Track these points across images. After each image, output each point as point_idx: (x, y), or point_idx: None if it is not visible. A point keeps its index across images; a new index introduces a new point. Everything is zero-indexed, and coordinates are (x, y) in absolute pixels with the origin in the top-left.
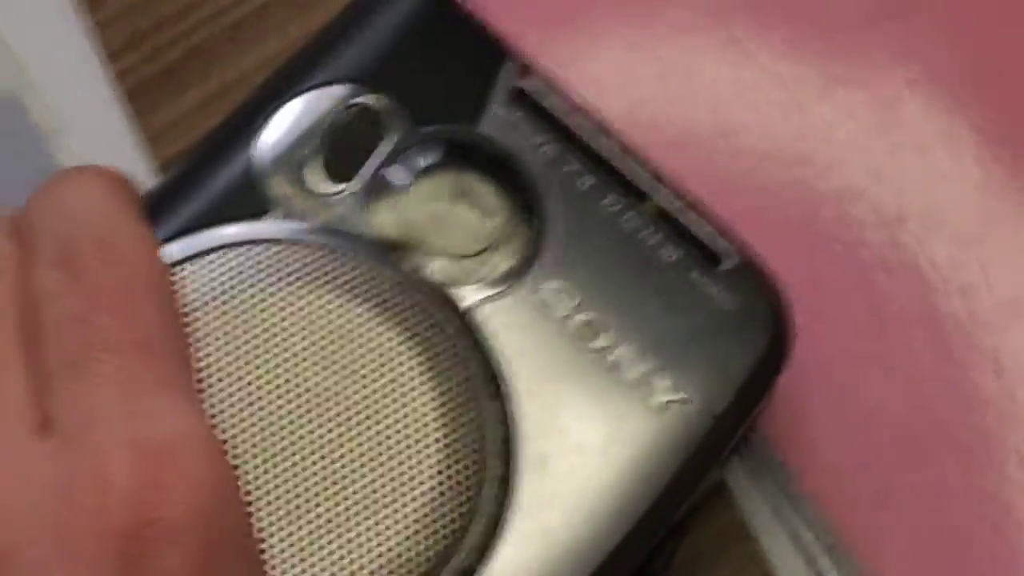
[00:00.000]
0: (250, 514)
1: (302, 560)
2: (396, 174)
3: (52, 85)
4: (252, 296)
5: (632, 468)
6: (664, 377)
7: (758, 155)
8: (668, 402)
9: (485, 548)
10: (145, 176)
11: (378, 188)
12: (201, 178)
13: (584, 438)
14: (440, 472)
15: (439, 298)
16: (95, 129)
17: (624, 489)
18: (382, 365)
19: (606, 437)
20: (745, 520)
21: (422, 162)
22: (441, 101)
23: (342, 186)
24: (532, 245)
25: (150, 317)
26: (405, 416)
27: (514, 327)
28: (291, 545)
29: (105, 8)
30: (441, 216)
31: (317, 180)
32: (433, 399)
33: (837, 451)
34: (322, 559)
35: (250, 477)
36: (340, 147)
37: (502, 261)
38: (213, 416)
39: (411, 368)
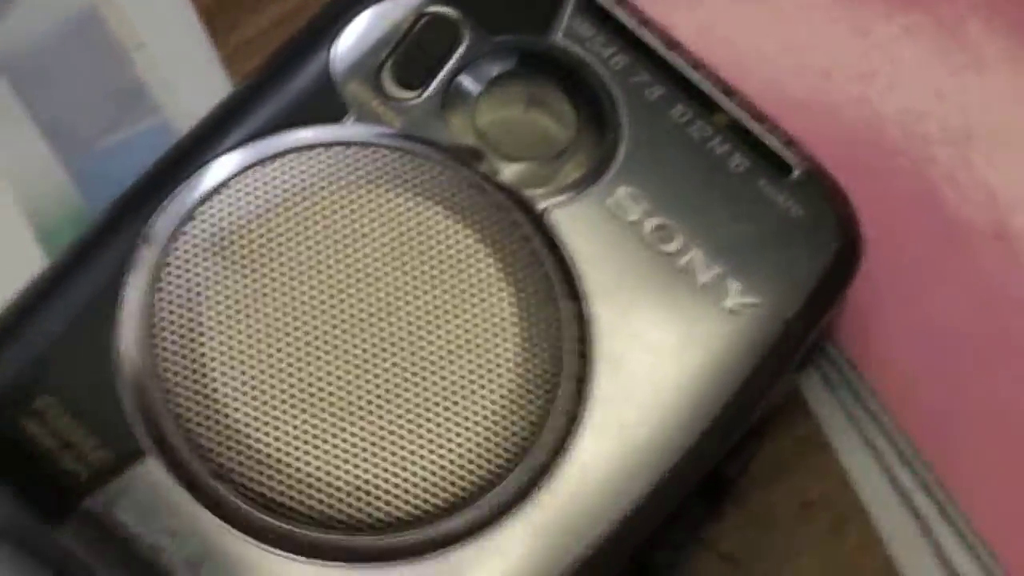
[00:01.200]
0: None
1: (381, 455)
2: (469, 82)
3: (130, 2)
4: (330, 196)
5: (705, 369)
6: (735, 281)
7: (821, 72)
8: (740, 305)
9: (562, 444)
10: (224, 93)
11: (452, 95)
12: (277, 83)
13: (658, 338)
14: (518, 369)
15: (514, 201)
16: (173, 45)
17: (698, 390)
18: (459, 264)
19: (679, 338)
20: (821, 429)
21: (495, 71)
22: (513, 12)
23: (416, 92)
24: (603, 152)
25: None
26: (482, 314)
27: (587, 231)
28: (371, 440)
29: None
30: (514, 123)
31: (392, 87)
32: (510, 298)
33: (907, 362)
34: (401, 453)
35: (330, 373)
36: (415, 55)
37: (574, 168)
38: (294, 314)
39: (488, 267)
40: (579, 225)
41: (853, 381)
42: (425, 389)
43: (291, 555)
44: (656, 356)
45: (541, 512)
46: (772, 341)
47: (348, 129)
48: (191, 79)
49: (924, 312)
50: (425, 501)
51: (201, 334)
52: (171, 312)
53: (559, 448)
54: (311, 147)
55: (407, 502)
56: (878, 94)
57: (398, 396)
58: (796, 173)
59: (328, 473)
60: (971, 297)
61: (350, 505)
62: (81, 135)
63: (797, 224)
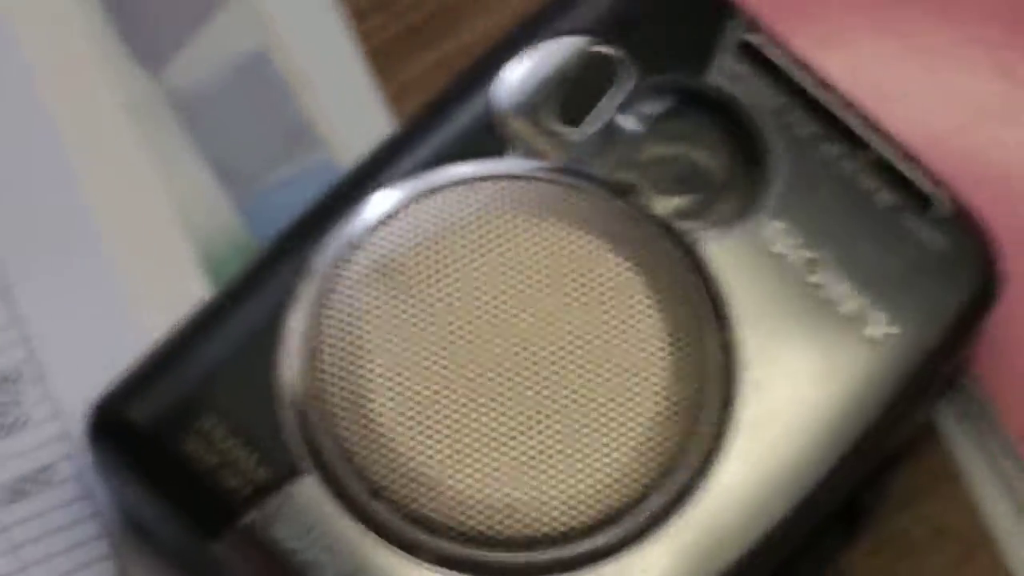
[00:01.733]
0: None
1: (532, 474)
2: (629, 120)
3: (299, 43)
4: (489, 226)
5: (845, 397)
6: (877, 312)
7: (965, 112)
8: (881, 335)
9: (705, 467)
10: (386, 130)
11: (610, 133)
12: (441, 120)
13: (800, 366)
14: (665, 392)
15: (667, 233)
16: (339, 84)
17: (837, 417)
18: (612, 291)
19: (821, 366)
20: (953, 458)
21: (653, 109)
22: (671, 53)
23: (576, 128)
24: (756, 188)
25: None
26: (633, 339)
27: (737, 263)
28: (522, 459)
29: None
30: (670, 159)
31: (552, 123)
32: (660, 324)
33: None
34: (551, 472)
35: (485, 396)
36: (576, 92)
37: (727, 202)
38: (453, 339)
39: (640, 295)
40: (730, 257)
41: (987, 412)
42: (575, 411)
43: (444, 570)
44: (799, 383)
45: (683, 532)
46: (911, 371)
47: (509, 164)
48: (356, 118)
49: None
50: (572, 519)
51: (362, 358)
52: (333, 336)
53: (703, 470)
54: (475, 180)
55: (555, 519)
56: (1018, 136)
57: (549, 417)
58: (940, 209)
59: (481, 491)
60: None
61: (501, 522)
62: (249, 172)
63: (940, 258)
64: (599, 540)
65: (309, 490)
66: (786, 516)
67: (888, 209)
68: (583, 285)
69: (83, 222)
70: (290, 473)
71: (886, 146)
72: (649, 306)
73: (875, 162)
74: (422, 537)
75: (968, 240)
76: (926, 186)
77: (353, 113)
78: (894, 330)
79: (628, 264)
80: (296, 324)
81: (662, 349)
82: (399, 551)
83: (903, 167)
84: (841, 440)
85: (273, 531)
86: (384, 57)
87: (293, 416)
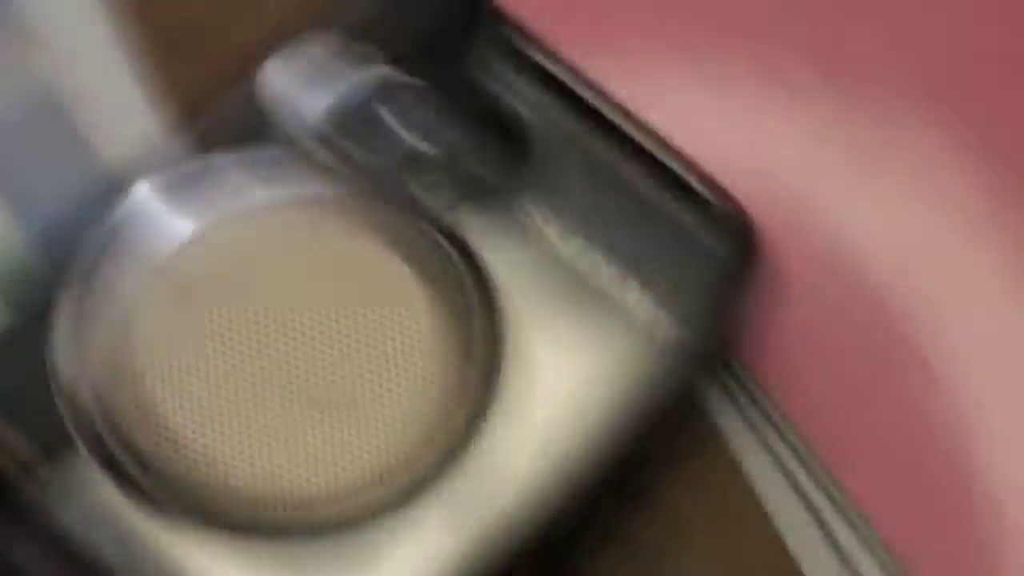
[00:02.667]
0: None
1: (301, 438)
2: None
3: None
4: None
5: (607, 373)
6: (644, 294)
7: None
8: (643, 313)
9: (471, 430)
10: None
11: (389, 148)
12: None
13: (568, 346)
14: (430, 365)
15: (436, 226)
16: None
17: (601, 390)
18: (381, 283)
19: (584, 342)
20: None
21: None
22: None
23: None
24: (523, 179)
25: None
26: (400, 312)
27: (506, 250)
28: (291, 425)
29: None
30: (434, 160)
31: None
32: (426, 309)
33: (808, 376)
34: (321, 435)
35: (255, 368)
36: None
37: (497, 195)
38: (221, 317)
39: (408, 284)
40: (498, 243)
41: (755, 395)
42: (343, 378)
43: (215, 530)
44: (561, 356)
45: (452, 491)
46: (670, 347)
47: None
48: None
49: (820, 328)
50: (343, 479)
51: (128, 335)
52: (101, 318)
53: (469, 433)
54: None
55: (326, 480)
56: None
57: (316, 385)
58: (704, 199)
59: (249, 455)
60: (861, 313)
61: (271, 483)
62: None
63: (704, 245)
64: (371, 498)
65: (80, 464)
66: (550, 482)
67: (653, 198)
68: (355, 282)
69: None
70: (58, 449)
71: (650, 138)
72: (417, 293)
73: (636, 153)
74: (194, 502)
75: (730, 228)
76: (689, 177)
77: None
78: (655, 307)
79: (396, 256)
80: (65, 307)
81: (428, 329)
82: (173, 517)
83: (661, 155)
84: (602, 411)
85: (47, 508)
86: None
87: (63, 390)
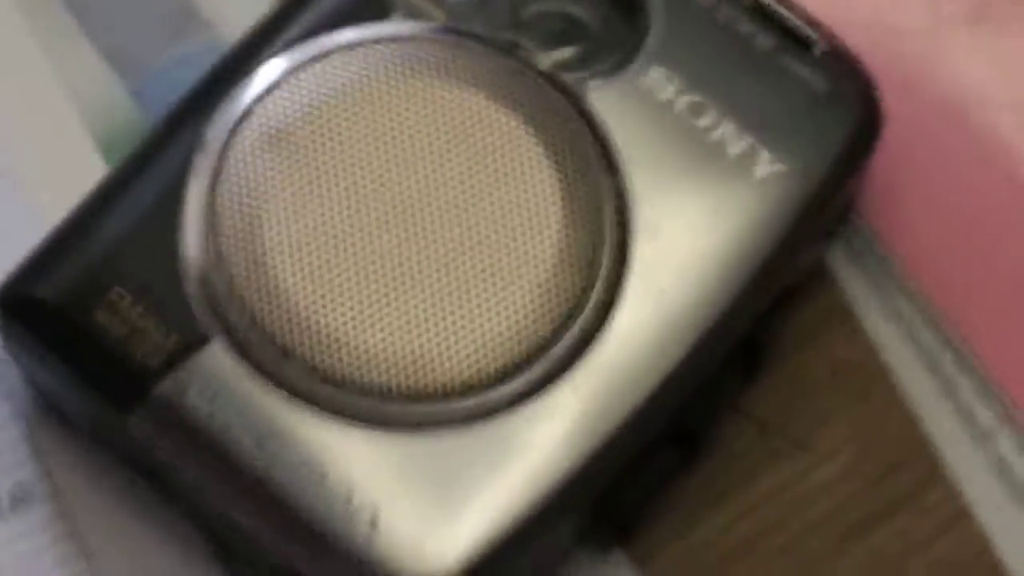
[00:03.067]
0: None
1: (436, 327)
2: None
3: None
4: (377, 88)
5: (737, 235)
6: (764, 151)
7: None
8: (769, 174)
9: (604, 311)
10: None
11: None
12: None
13: (693, 207)
14: (561, 239)
15: (552, 85)
16: None
17: (731, 255)
18: (503, 144)
19: (713, 206)
20: (847, 297)
21: None
22: None
23: None
24: (634, 36)
25: None
26: (527, 189)
27: (624, 110)
28: (425, 313)
29: None
30: (548, 13)
31: None
32: (551, 173)
33: (928, 231)
34: (455, 325)
35: (385, 253)
36: None
37: (610, 52)
38: (349, 200)
39: (530, 146)
40: (615, 105)
41: (877, 250)
42: (475, 263)
43: (353, 422)
44: (691, 223)
45: (587, 376)
46: (799, 207)
47: (392, 26)
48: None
49: (944, 183)
50: (478, 369)
51: (260, 224)
52: (230, 205)
53: (603, 315)
54: (359, 44)
55: (462, 370)
56: None
57: (450, 270)
58: (818, 50)
59: (386, 346)
60: (991, 166)
61: (409, 375)
62: (139, 55)
63: (821, 97)
64: (506, 389)
65: (218, 355)
66: (686, 356)
67: (768, 52)
68: (474, 140)
69: None
70: (199, 340)
71: None
72: (539, 156)
73: (752, 7)
74: (333, 394)
75: (847, 78)
76: (804, 28)
77: None
78: (781, 167)
79: (516, 117)
80: (195, 195)
81: (555, 196)
82: (312, 409)
83: (780, 10)
84: (735, 278)
85: (186, 398)
86: None
87: (198, 284)
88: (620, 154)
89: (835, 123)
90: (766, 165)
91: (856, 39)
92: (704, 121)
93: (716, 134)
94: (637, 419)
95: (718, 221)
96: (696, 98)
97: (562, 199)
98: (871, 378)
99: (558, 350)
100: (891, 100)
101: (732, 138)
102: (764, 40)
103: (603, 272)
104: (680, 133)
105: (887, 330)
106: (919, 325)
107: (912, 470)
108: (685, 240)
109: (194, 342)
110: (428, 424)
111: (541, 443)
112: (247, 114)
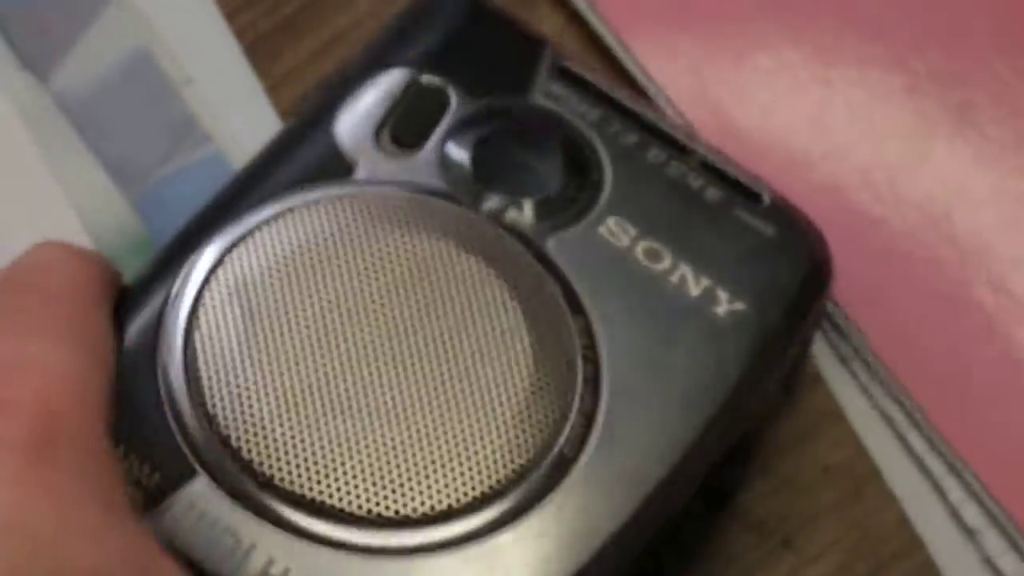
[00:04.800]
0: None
1: (422, 455)
2: (462, 140)
3: (179, 40)
4: (346, 239)
5: (702, 369)
6: (722, 291)
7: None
8: (729, 312)
9: (582, 439)
10: (270, 121)
11: (448, 152)
12: (289, 150)
13: (657, 344)
14: (534, 374)
15: (513, 236)
16: (220, 78)
17: (697, 387)
18: (472, 288)
19: (677, 344)
20: (838, 402)
21: (483, 130)
22: (493, 77)
23: (414, 153)
24: (591, 189)
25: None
26: (497, 328)
27: (584, 257)
28: (410, 443)
29: None
30: (507, 171)
31: (393, 148)
32: (521, 313)
33: (919, 336)
34: (440, 451)
35: (368, 388)
36: (410, 119)
37: (566, 206)
38: (327, 340)
39: (498, 289)
40: (576, 252)
41: (864, 354)
42: (455, 396)
43: (347, 553)
44: (657, 360)
45: (567, 499)
46: (760, 341)
47: (355, 184)
48: (239, 109)
49: (929, 286)
50: (465, 494)
51: (236, 367)
52: (209, 350)
53: (579, 444)
54: (324, 199)
55: (449, 496)
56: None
57: (430, 403)
58: (765, 201)
59: (374, 473)
60: (970, 269)
61: (396, 501)
62: (139, 167)
63: (771, 242)
64: (492, 512)
65: (201, 490)
66: (659, 481)
67: (718, 203)
68: (443, 284)
69: None
70: (182, 476)
71: (706, 150)
72: (507, 298)
73: (699, 163)
74: (315, 523)
75: (795, 227)
76: (751, 182)
77: (235, 106)
78: (740, 306)
79: (483, 263)
80: (169, 343)
81: (526, 334)
82: (295, 537)
83: (727, 167)
84: (703, 407)
85: (173, 531)
86: (260, 50)
87: (179, 425)
88: (583, 296)
89: (787, 266)
90: (725, 304)
91: (833, 141)
92: (662, 265)
93: (675, 277)
94: (615, 539)
95: (682, 357)
96: (653, 244)
97: (532, 335)
98: (861, 478)
99: (540, 474)
100: (874, 202)
101: (691, 280)
102: (713, 192)
103: (576, 404)
104: (640, 276)
105: (876, 432)
106: (907, 427)
107: (902, 568)
108: (653, 376)
109: (178, 479)
110: (417, 550)
111: (528, 561)
112: (216, 266)
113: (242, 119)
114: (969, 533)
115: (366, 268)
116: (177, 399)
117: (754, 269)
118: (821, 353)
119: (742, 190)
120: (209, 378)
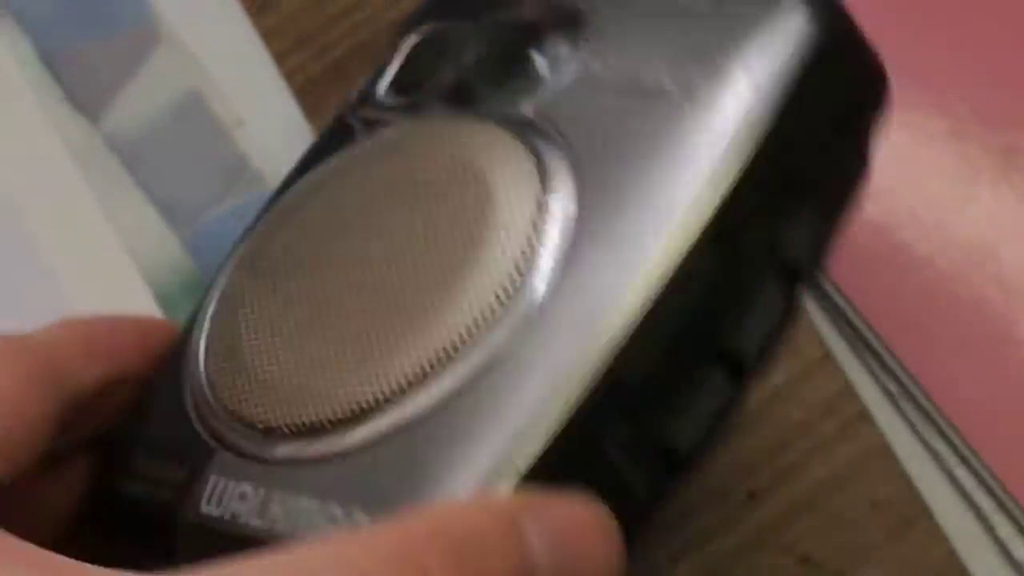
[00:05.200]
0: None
1: (388, 341)
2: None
3: (229, 83)
4: (338, 178)
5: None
6: (702, 80)
7: None
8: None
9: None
10: None
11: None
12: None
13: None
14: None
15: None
16: (270, 120)
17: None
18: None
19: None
20: (886, 439)
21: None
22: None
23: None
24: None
25: None
26: (459, 194)
27: (571, 107)
28: (375, 335)
29: (273, 12)
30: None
31: (397, 99)
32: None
33: (966, 373)
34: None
35: (346, 313)
36: (406, 71)
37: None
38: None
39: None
40: (563, 105)
41: (912, 391)
42: (420, 271)
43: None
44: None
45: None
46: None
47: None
48: (288, 150)
49: (975, 324)
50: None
51: (239, 335)
52: (218, 332)
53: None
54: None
55: (423, 358)
56: None
57: (398, 291)
58: None
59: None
60: (1020, 310)
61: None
62: (190, 207)
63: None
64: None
65: (223, 462)
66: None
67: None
68: (429, 192)
69: (38, 261)
70: (206, 457)
71: None
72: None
73: None
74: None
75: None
76: None
77: (286, 147)
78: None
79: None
80: (196, 340)
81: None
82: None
83: None
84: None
85: (209, 509)
86: (310, 92)
87: (195, 410)
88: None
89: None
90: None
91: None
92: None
93: (651, 81)
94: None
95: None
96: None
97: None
98: (910, 515)
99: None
100: (920, 241)
101: (666, 76)
102: None
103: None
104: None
105: (925, 468)
106: (955, 464)
107: None
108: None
109: (202, 461)
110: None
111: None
112: (232, 253)
113: (292, 159)
114: (1019, 569)
115: (350, 199)
116: (195, 391)
117: (742, 46)
118: (868, 390)
119: None
120: (216, 354)
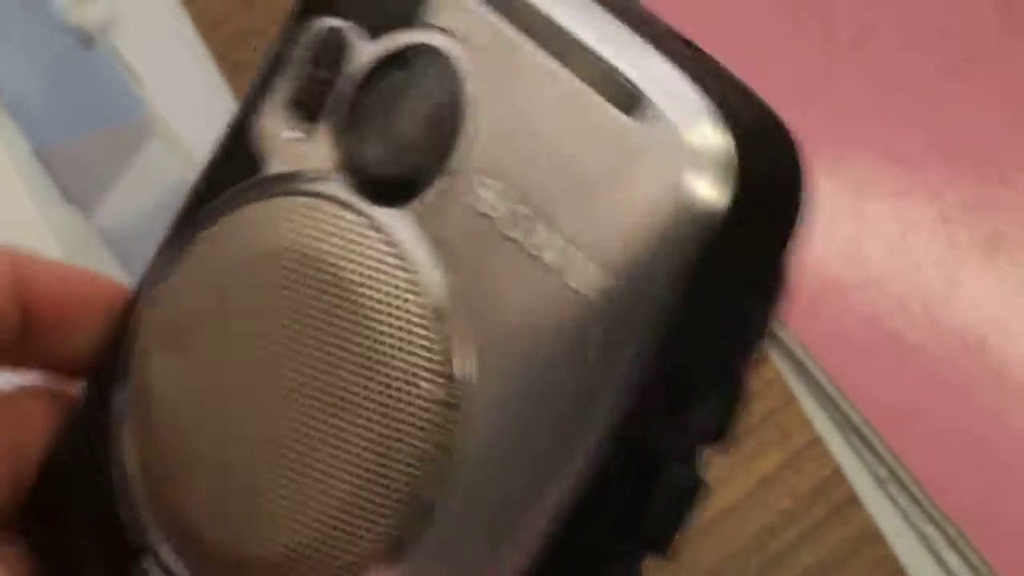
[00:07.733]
0: None
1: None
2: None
3: None
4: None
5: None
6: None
7: None
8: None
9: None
10: None
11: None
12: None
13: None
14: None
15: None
16: None
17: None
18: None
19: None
20: (876, 524)
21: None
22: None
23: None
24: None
25: None
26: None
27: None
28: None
29: None
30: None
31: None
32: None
33: (957, 459)
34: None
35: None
36: (310, 83)
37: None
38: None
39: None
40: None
41: (901, 477)
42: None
43: None
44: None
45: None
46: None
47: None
48: None
49: (964, 411)
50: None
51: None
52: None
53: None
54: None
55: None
56: None
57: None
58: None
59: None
60: (1006, 398)
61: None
62: None
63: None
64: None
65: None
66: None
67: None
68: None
69: None
70: (141, 548)
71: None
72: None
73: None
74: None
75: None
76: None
77: None
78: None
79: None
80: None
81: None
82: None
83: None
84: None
85: None
86: None
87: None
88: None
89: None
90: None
91: (867, 270)
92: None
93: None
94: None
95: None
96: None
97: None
98: None
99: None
100: (910, 329)
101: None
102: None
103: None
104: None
105: (915, 553)
106: (944, 548)
107: None
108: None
109: (137, 551)
110: None
111: None
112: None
113: None
114: None
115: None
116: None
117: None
118: (858, 475)
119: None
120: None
